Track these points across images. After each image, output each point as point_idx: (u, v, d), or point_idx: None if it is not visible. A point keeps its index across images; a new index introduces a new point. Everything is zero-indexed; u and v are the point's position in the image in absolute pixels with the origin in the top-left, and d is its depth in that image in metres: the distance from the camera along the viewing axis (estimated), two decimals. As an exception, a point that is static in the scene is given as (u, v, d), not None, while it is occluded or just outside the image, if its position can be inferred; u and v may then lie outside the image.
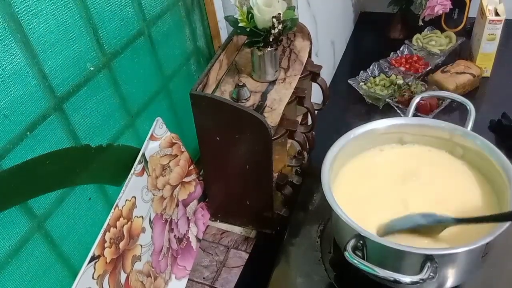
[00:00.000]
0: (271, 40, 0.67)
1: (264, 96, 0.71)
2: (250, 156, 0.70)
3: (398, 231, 0.64)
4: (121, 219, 0.63)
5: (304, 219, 0.81)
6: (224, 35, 0.83)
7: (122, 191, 0.63)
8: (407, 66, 1.18)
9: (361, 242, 0.59)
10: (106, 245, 0.60)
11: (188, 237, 0.80)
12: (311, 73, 0.80)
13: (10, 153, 0.47)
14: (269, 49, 0.70)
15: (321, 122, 0.91)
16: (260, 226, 0.82)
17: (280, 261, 0.75)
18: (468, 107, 0.74)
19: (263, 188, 0.75)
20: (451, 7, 1.25)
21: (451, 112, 1.07)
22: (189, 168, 0.79)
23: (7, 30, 0.45)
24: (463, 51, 1.28)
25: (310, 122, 0.84)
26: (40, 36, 0.49)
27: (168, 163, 0.74)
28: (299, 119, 0.88)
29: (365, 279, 0.61)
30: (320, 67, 0.81)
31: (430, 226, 0.63)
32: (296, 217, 0.81)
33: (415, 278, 0.55)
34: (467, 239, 0.62)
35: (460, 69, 1.13)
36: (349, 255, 0.58)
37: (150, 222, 0.70)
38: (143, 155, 0.68)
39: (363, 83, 1.16)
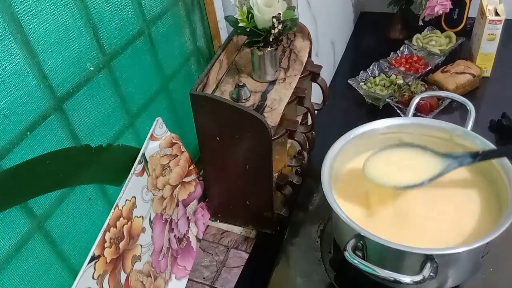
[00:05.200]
0: (271, 40, 0.67)
1: (264, 96, 0.71)
2: (250, 156, 0.70)
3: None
4: (121, 219, 0.63)
5: (304, 219, 0.81)
6: (224, 35, 0.83)
7: (122, 191, 0.63)
8: (407, 66, 1.18)
9: (361, 242, 0.59)
10: (106, 245, 0.60)
11: (188, 237, 0.80)
12: (311, 73, 0.80)
13: (10, 153, 0.47)
14: (269, 49, 0.70)
15: (321, 122, 0.91)
16: (260, 226, 0.82)
17: (280, 261, 0.75)
18: (468, 107, 0.74)
19: (263, 188, 0.75)
20: (451, 7, 1.25)
21: (451, 112, 1.08)
22: (189, 168, 0.79)
23: (7, 30, 0.45)
24: (463, 51, 1.28)
25: (310, 122, 0.84)
26: (40, 36, 0.49)
27: (168, 163, 0.74)
28: (299, 119, 0.88)
29: (365, 279, 0.61)
30: (320, 67, 0.81)
31: (430, 160, 0.64)
32: (296, 217, 0.81)
33: (415, 278, 0.55)
34: (467, 239, 0.62)
35: (460, 69, 1.13)
36: (349, 255, 0.58)
37: (150, 222, 0.70)
38: (143, 155, 0.68)
39: (363, 83, 1.16)
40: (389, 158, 0.67)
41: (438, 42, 1.27)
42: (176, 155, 0.76)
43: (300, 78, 0.75)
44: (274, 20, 0.64)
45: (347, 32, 1.42)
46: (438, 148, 0.66)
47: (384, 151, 0.67)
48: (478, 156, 0.63)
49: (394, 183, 0.66)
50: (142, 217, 0.68)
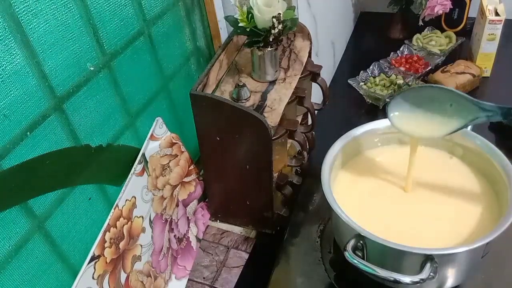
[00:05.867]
0: (271, 40, 0.67)
1: (264, 96, 0.71)
2: (250, 156, 0.70)
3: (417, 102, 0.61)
4: (121, 219, 0.63)
5: (304, 219, 0.81)
6: (224, 35, 0.83)
7: (122, 191, 0.63)
8: (407, 66, 1.18)
9: (361, 242, 0.59)
10: (106, 245, 0.60)
11: (188, 237, 0.80)
12: (311, 73, 0.80)
13: (10, 153, 0.47)
14: (269, 49, 0.70)
15: (321, 122, 0.91)
16: (260, 226, 0.82)
17: (280, 261, 0.75)
18: (468, 107, 0.74)
19: (263, 188, 0.75)
20: (451, 7, 1.25)
21: (451, 112, 1.07)
22: (189, 168, 0.79)
23: (7, 30, 0.45)
24: (463, 51, 1.28)
25: (310, 122, 0.84)
26: (40, 36, 0.49)
27: (168, 163, 0.74)
28: (299, 119, 0.88)
29: (365, 279, 0.61)
30: (320, 67, 0.81)
31: (458, 108, 0.58)
32: (296, 217, 0.81)
33: (415, 278, 0.55)
34: (467, 239, 0.62)
35: (460, 69, 1.13)
36: (349, 255, 0.58)
37: (150, 222, 0.70)
38: (143, 155, 0.68)
39: (363, 83, 1.16)
40: (414, 109, 0.63)
41: (438, 42, 1.27)
42: (176, 155, 0.76)
43: (300, 78, 0.75)
44: (274, 20, 0.64)
45: (347, 32, 1.42)
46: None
47: (409, 97, 0.63)
48: (510, 116, 0.57)
49: (419, 134, 0.64)
50: (142, 217, 0.68)
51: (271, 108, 0.69)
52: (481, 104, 0.58)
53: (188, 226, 0.80)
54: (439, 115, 0.62)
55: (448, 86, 1.09)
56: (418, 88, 0.63)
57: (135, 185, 0.66)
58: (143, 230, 0.69)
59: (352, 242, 0.59)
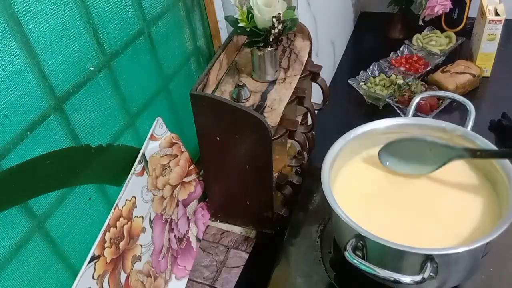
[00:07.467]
0: (271, 40, 0.67)
1: (264, 96, 0.71)
2: (250, 156, 0.70)
3: (400, 150, 0.70)
4: (121, 219, 0.63)
5: (304, 219, 0.81)
6: (224, 35, 0.83)
7: (122, 191, 0.63)
8: (407, 66, 1.18)
9: (361, 242, 0.59)
10: (106, 245, 0.60)
11: (188, 237, 0.80)
12: (311, 73, 0.80)
13: (10, 153, 0.47)
14: (269, 49, 0.70)
15: (321, 122, 0.91)
16: (260, 226, 0.82)
17: (280, 261, 0.75)
18: (468, 107, 0.74)
19: (263, 188, 0.75)
20: (451, 7, 1.25)
21: (451, 112, 1.08)
22: (189, 168, 0.79)
23: (7, 30, 0.45)
24: (463, 51, 1.28)
25: (310, 122, 0.84)
26: (40, 36, 0.49)
27: (168, 163, 0.74)
28: (299, 119, 0.88)
29: (365, 279, 0.61)
30: (320, 67, 0.81)
31: (436, 151, 0.67)
32: (296, 217, 0.81)
33: (415, 278, 0.55)
34: (467, 239, 0.62)
35: (460, 69, 1.13)
36: (349, 255, 0.58)
37: (150, 222, 0.70)
38: (143, 155, 0.68)
39: (363, 83, 1.16)
40: (401, 151, 0.71)
41: (438, 42, 1.27)
42: (176, 155, 0.76)
43: (300, 78, 0.75)
44: (274, 20, 0.64)
45: (347, 32, 1.42)
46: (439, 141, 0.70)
47: (395, 143, 0.72)
48: (476, 154, 0.66)
49: (411, 172, 0.71)
50: (142, 217, 0.68)
51: (271, 108, 0.69)
52: (451, 146, 0.67)
53: (188, 226, 0.80)
54: (423, 157, 0.70)
55: (448, 88, 1.09)
56: (398, 140, 0.71)
57: (135, 185, 0.66)
58: (143, 230, 0.69)
59: (352, 242, 0.59)
